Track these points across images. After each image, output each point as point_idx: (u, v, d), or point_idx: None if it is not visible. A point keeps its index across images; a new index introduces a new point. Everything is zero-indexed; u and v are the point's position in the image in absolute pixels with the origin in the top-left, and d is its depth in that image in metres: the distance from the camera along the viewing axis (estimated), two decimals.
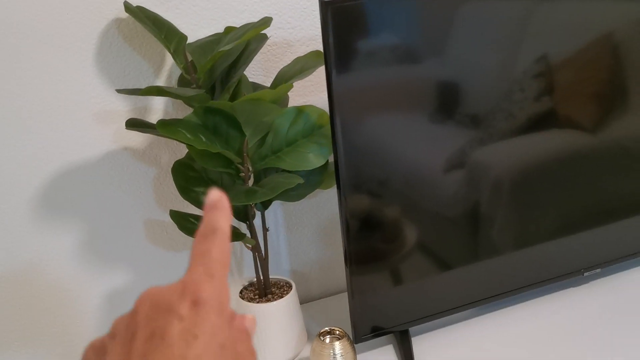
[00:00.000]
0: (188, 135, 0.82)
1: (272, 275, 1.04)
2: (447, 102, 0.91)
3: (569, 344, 0.97)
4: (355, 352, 0.92)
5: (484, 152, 0.96)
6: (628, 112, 1.04)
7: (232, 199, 0.84)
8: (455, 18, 0.87)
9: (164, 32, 0.89)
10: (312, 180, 0.93)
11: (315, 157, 0.88)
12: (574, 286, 1.11)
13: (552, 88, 0.98)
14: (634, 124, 1.05)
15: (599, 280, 1.11)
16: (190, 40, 0.96)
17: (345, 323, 1.05)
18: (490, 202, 0.98)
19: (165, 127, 0.82)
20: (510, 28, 0.92)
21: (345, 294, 0.96)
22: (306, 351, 1.01)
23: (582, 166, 1.03)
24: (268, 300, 0.96)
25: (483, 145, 0.95)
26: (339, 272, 1.19)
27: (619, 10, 0.98)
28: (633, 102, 1.04)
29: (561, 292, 1.10)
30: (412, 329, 1.03)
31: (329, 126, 0.90)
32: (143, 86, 0.95)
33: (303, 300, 1.18)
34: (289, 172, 0.89)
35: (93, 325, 1.03)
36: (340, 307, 1.13)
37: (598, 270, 1.09)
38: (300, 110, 0.89)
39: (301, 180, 0.83)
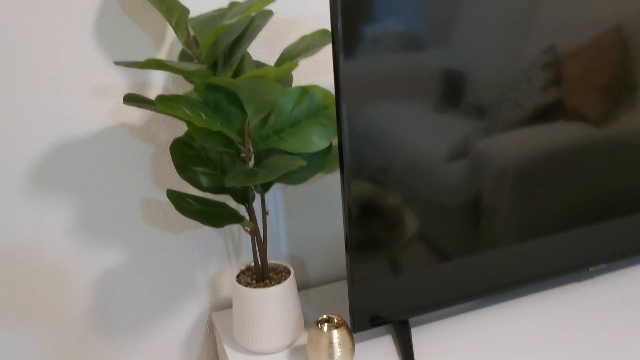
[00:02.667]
0: (188, 112, 0.79)
1: (271, 260, 1.01)
2: (453, 91, 0.89)
3: (570, 340, 0.95)
4: (353, 341, 0.90)
5: (489, 142, 0.93)
6: (636, 106, 1.01)
7: (231, 179, 0.81)
8: (465, 6, 0.84)
9: (165, 4, 0.85)
10: (315, 163, 0.90)
11: (319, 139, 0.85)
12: (578, 281, 1.08)
13: (560, 79, 0.95)
14: None
15: (604, 276, 1.09)
16: (193, 15, 0.93)
17: (343, 311, 1.03)
18: (493, 193, 0.95)
19: (164, 103, 0.79)
20: (519, 17, 0.89)
21: (345, 282, 0.94)
22: (303, 338, 0.98)
23: (589, 159, 1.00)
24: (265, 286, 0.94)
25: (488, 135, 0.93)
26: (338, 259, 1.17)
27: (628, 2, 0.95)
28: None
29: (565, 286, 1.07)
30: (411, 320, 1.00)
31: (334, 108, 0.87)
32: (143, 60, 0.92)
33: (301, 287, 1.16)
34: (291, 154, 0.87)
35: (84, 303, 1.01)
36: (339, 295, 1.11)
37: (604, 265, 1.06)
38: (304, 90, 0.86)
39: (304, 163, 0.80)
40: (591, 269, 1.05)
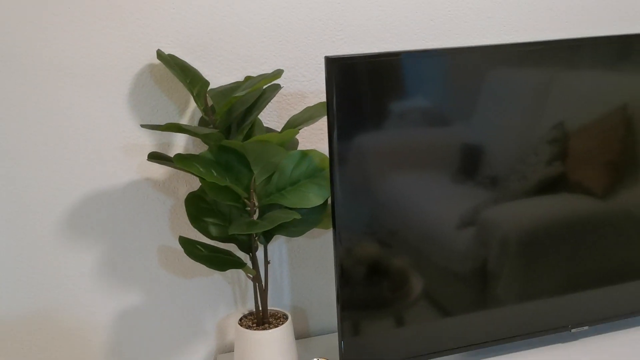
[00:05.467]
0: (201, 169, 0.92)
1: (272, 307, 1.11)
2: (445, 162, 0.98)
3: None
4: None
5: (491, 212, 1.02)
6: (638, 183, 1.09)
7: (235, 228, 0.92)
8: (461, 83, 0.96)
9: (189, 77, 1.00)
10: (312, 218, 1.01)
11: (315, 197, 0.96)
12: (562, 342, 1.14)
13: (566, 154, 1.04)
14: None
15: (587, 339, 1.15)
16: (213, 86, 1.08)
17: (336, 358, 1.10)
18: (496, 259, 1.03)
19: (181, 161, 0.92)
20: (528, 94, 0.99)
21: None
22: None
23: (586, 230, 1.08)
24: (264, 329, 1.03)
25: (492, 205, 1.01)
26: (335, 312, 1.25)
27: (635, 84, 1.05)
28: None
29: (550, 346, 1.13)
30: None
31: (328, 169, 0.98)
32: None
33: (302, 335, 1.24)
34: (291, 209, 0.98)
35: (103, 340, 1.11)
36: (334, 343, 1.19)
37: (586, 327, 1.12)
38: (304, 154, 0.98)
39: (298, 216, 0.91)
40: (573, 330, 1.11)
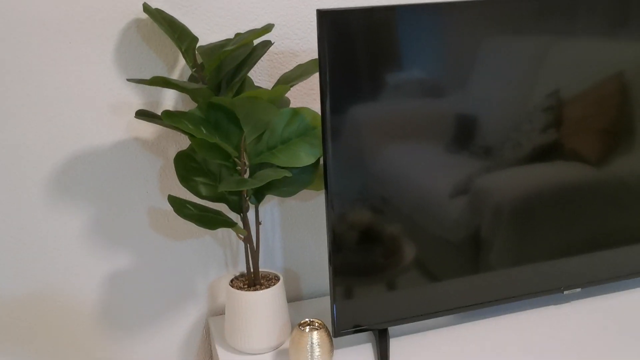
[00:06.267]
0: (190, 126, 0.90)
1: (264, 269, 1.10)
2: (452, 130, 0.97)
3: (543, 359, 1.00)
4: (332, 344, 0.97)
5: (485, 180, 1.01)
6: (632, 150, 1.08)
7: (224, 185, 0.91)
8: (455, 43, 0.94)
9: (177, 33, 0.97)
10: (303, 178, 0.99)
11: (306, 156, 0.95)
12: (554, 304, 1.14)
13: (560, 122, 1.03)
14: (636, 161, 1.09)
15: (579, 301, 1.15)
16: (202, 43, 1.05)
17: (329, 318, 1.10)
18: (489, 227, 1.03)
19: (169, 117, 0.90)
20: (523, 63, 0.97)
21: None
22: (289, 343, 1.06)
23: (580, 196, 1.07)
24: (255, 289, 1.02)
25: (486, 173, 1.00)
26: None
27: (630, 51, 1.03)
28: (638, 141, 1.08)
29: (542, 308, 1.13)
30: (391, 330, 1.07)
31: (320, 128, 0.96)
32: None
33: (294, 299, 1.24)
34: (282, 168, 0.96)
35: (93, 302, 1.10)
36: (326, 306, 1.19)
37: (578, 290, 1.12)
38: (295, 112, 0.96)
39: (288, 174, 0.90)
40: (565, 291, 1.11)
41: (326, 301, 1.21)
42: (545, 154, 1.04)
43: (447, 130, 0.97)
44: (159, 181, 1.09)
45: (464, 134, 0.98)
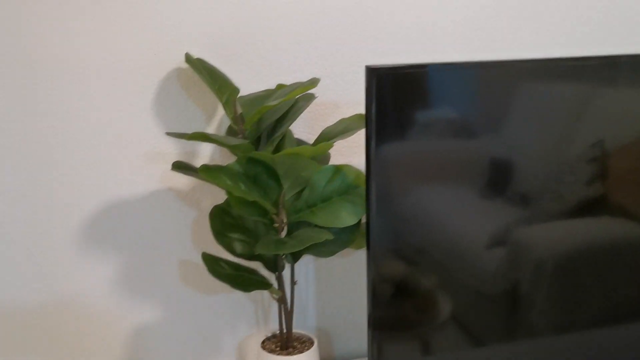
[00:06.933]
0: (228, 182, 0.86)
1: (296, 330, 1.04)
2: (489, 180, 0.92)
3: None
4: None
5: (525, 232, 0.95)
6: None
7: (262, 247, 0.86)
8: (503, 97, 0.89)
9: (218, 83, 0.94)
10: (344, 238, 0.94)
11: (347, 215, 0.90)
12: None
13: (606, 174, 0.97)
14: None
15: None
16: (243, 94, 1.02)
17: None
18: (530, 282, 0.96)
19: (207, 172, 0.86)
20: (567, 110, 0.93)
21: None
22: None
23: (631, 257, 1.00)
24: (289, 354, 0.97)
25: (526, 225, 0.95)
26: (365, 334, 1.19)
27: None
28: None
29: None
30: None
31: (364, 187, 0.92)
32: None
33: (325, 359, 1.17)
34: (321, 227, 0.91)
35: (119, 354, 1.06)
36: None
37: None
38: (338, 169, 0.92)
39: (330, 236, 0.85)
40: None
41: None
42: (590, 208, 0.98)
43: (494, 181, 0.92)
44: (191, 233, 1.05)
45: (509, 186, 0.93)
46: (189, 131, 1.01)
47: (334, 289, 1.14)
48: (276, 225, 0.93)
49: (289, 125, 0.93)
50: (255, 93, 1.00)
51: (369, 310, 0.90)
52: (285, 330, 0.99)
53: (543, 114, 0.92)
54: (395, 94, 0.85)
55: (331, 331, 1.16)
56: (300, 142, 1.03)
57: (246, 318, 1.11)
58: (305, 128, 1.06)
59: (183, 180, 1.03)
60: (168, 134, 0.85)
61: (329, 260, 1.13)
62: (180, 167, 0.94)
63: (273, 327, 1.13)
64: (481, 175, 0.92)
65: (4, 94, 0.93)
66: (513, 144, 0.92)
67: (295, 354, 0.96)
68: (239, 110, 0.97)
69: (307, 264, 1.12)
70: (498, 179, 0.93)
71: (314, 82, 0.89)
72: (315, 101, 1.06)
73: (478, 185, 0.92)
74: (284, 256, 0.95)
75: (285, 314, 0.98)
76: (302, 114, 1.05)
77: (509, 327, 0.97)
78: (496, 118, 0.90)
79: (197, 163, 1.03)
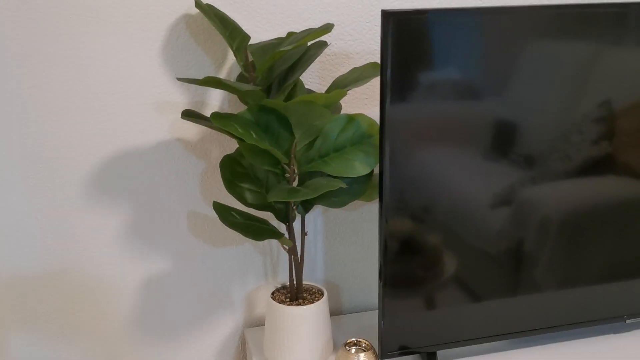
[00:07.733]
0: (239, 130, 0.85)
1: (306, 281, 1.04)
2: (502, 138, 0.90)
3: None
4: None
5: (535, 191, 0.94)
6: None
7: (274, 195, 0.85)
8: (521, 53, 0.87)
9: (229, 30, 0.92)
10: (355, 188, 0.93)
11: (360, 165, 0.89)
12: (614, 332, 1.07)
13: (612, 134, 0.96)
14: None
15: None
16: (253, 41, 0.99)
17: (373, 337, 1.04)
18: (535, 241, 0.96)
19: (219, 119, 0.85)
20: (575, 70, 0.91)
21: (377, 312, 0.95)
22: None
23: (636, 214, 1.00)
24: (299, 304, 0.97)
25: (535, 184, 0.94)
26: (373, 288, 1.19)
27: None
28: None
29: (601, 337, 1.06)
30: (440, 353, 1.01)
31: (377, 136, 0.90)
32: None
33: (334, 312, 1.18)
34: (333, 177, 0.90)
35: (128, 306, 1.06)
36: (370, 323, 1.12)
37: None
38: (351, 118, 0.90)
39: (343, 184, 0.84)
40: (628, 320, 1.04)
41: (367, 317, 1.15)
42: (596, 167, 0.97)
43: (509, 138, 0.91)
44: (200, 184, 1.04)
45: (519, 144, 0.92)
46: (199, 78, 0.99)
47: (342, 243, 1.14)
48: (287, 175, 0.92)
49: (301, 74, 0.91)
50: (266, 41, 0.97)
51: (381, 264, 0.90)
52: (295, 282, 0.99)
53: (552, 70, 0.90)
54: (412, 40, 0.83)
55: (339, 284, 1.16)
56: (310, 92, 1.01)
57: (254, 270, 1.11)
58: (315, 78, 1.04)
59: (192, 131, 1.01)
60: (179, 79, 0.83)
61: (338, 214, 1.12)
62: (190, 115, 0.92)
63: (281, 279, 1.13)
64: (491, 132, 0.90)
65: (15, 43, 0.91)
66: (526, 102, 0.90)
67: (306, 304, 0.96)
68: (250, 57, 0.95)
69: (315, 217, 1.11)
70: (507, 137, 0.91)
71: (328, 28, 0.87)
72: (325, 51, 1.04)
73: (488, 141, 0.90)
74: (295, 206, 0.95)
75: (295, 265, 0.98)
76: (313, 64, 1.04)
77: (514, 283, 0.97)
78: (512, 71, 0.88)
79: (206, 113, 1.01)
